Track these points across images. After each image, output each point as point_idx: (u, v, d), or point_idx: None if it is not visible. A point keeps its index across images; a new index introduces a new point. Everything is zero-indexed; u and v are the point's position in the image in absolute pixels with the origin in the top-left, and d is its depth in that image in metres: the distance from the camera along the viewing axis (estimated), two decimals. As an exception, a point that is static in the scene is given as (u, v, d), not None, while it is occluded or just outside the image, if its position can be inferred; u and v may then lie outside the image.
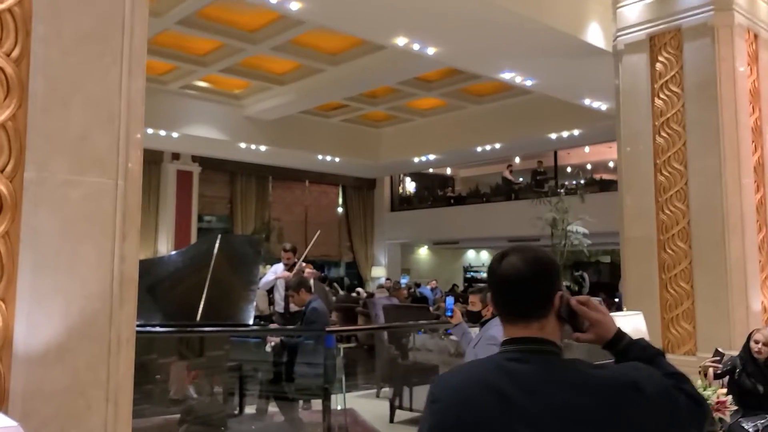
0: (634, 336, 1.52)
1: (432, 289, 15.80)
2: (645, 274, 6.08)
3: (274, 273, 7.09)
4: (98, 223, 2.18)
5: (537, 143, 14.53)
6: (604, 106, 10.80)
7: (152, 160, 14.30)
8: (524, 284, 1.42)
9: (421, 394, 6.52)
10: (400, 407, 6.60)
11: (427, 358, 9.05)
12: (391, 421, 6.46)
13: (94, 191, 2.17)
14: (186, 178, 15.28)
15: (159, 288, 5.52)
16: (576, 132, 13.11)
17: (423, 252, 21.42)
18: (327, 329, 5.69)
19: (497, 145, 14.46)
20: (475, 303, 3.92)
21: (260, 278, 6.67)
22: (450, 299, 4.23)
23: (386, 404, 6.70)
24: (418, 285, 16.52)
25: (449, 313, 4.07)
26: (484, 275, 19.62)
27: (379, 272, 18.81)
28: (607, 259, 18.65)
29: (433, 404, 1.42)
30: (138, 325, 2.37)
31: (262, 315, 7.71)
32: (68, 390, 2.08)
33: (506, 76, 9.52)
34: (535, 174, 16.33)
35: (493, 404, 1.34)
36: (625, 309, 6.04)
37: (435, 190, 20.00)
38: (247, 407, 6.04)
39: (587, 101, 10.76)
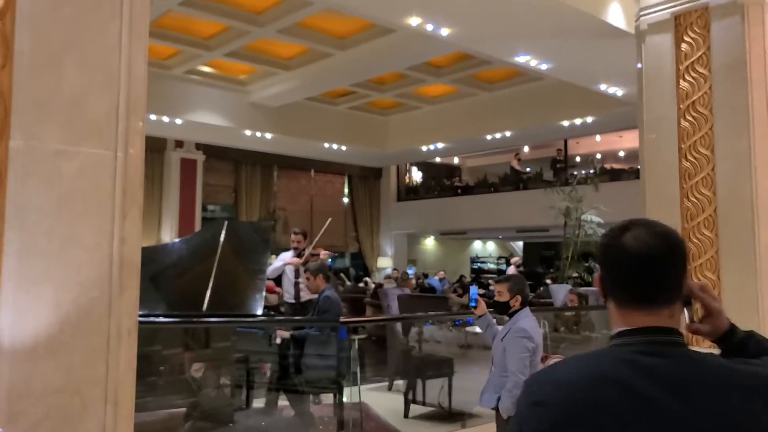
0: None
1: (440, 280, 15.58)
2: (669, 265, 5.83)
3: (282, 260, 6.83)
4: (95, 199, 1.91)
5: (547, 131, 14.23)
6: (620, 92, 10.50)
7: (155, 147, 14.06)
8: (656, 263, 1.17)
9: (434, 388, 6.30)
10: (414, 401, 6.37)
11: (437, 350, 8.83)
12: (406, 416, 6.22)
13: (90, 163, 1.91)
14: (190, 166, 15.03)
15: (163, 276, 5.28)
16: (589, 119, 12.79)
17: (429, 242, 21.20)
18: (341, 320, 5.45)
19: (507, 133, 14.16)
20: (502, 293, 3.67)
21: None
22: (474, 288, 3.96)
23: (399, 398, 6.45)
24: (425, 275, 16.30)
25: (473, 304, 3.81)
26: (492, 266, 19.43)
27: (385, 263, 18.59)
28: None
29: (536, 408, 1.16)
30: (140, 315, 2.12)
31: (270, 306, 7.48)
32: (61, 389, 1.83)
33: (521, 59, 9.22)
34: (554, 162, 16.00)
35: (617, 399, 1.09)
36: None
37: (442, 180, 19.74)
38: (255, 401, 5.82)
39: (603, 86, 10.45)
